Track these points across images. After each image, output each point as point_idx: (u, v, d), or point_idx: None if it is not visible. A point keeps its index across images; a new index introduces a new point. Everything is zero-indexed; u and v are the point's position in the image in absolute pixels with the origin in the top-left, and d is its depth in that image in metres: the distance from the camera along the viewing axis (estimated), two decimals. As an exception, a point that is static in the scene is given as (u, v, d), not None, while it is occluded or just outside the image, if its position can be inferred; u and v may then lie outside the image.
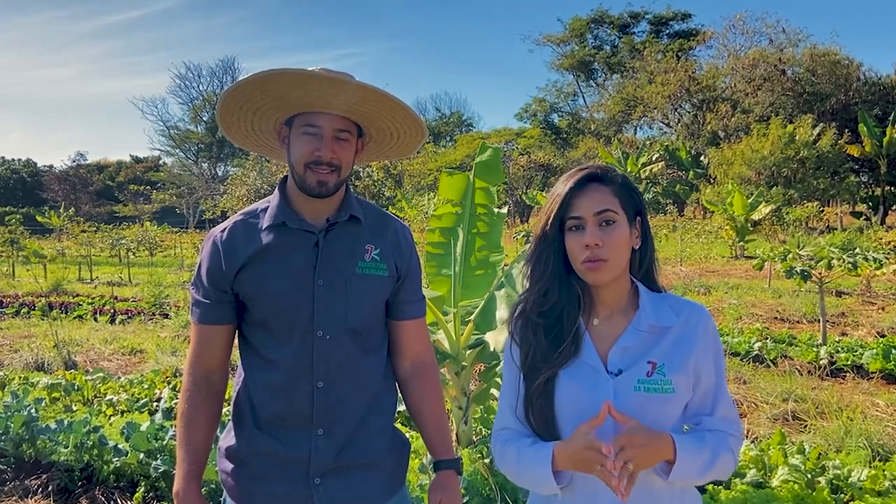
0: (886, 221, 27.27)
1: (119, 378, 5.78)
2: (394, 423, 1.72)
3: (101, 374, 5.67)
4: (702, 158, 33.46)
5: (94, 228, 26.99)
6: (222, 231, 1.61)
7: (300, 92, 1.49)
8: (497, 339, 3.54)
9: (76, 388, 5.31)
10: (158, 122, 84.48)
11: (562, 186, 1.36)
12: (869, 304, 9.76)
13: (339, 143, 1.55)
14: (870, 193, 29.83)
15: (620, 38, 52.87)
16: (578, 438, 1.24)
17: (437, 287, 3.78)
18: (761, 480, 3.21)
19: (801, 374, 5.69)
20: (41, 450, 3.82)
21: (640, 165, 33.25)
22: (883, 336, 7.16)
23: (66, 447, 3.76)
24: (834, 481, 3.17)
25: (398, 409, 3.38)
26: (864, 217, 27.44)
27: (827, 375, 5.83)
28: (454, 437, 3.71)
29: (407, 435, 1.90)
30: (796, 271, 6.66)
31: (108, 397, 5.06)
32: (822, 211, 25.41)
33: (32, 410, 4.01)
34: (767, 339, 6.93)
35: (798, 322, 8.53)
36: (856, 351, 6.24)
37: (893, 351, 5.87)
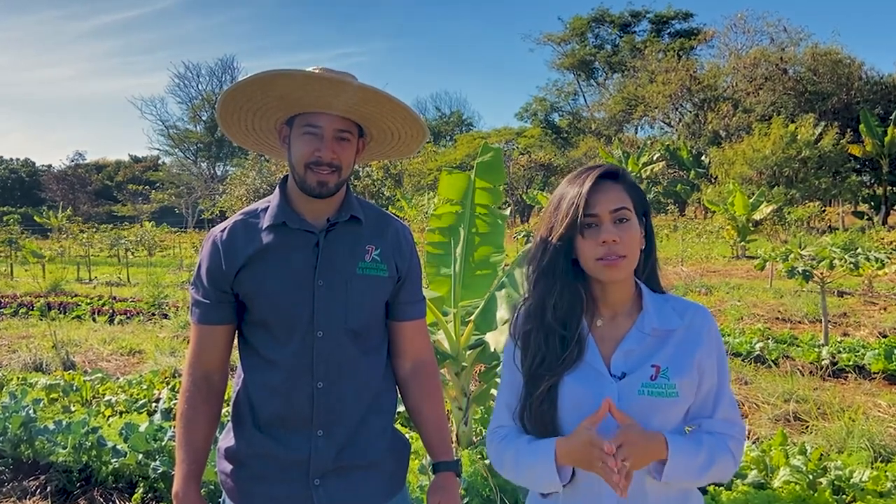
0: (888, 221, 27.23)
1: (118, 378, 5.77)
2: (394, 423, 1.71)
3: (99, 375, 5.65)
4: (703, 158, 33.45)
5: (94, 229, 26.99)
6: (222, 231, 1.60)
7: (301, 92, 1.48)
8: (497, 339, 3.52)
9: (74, 388, 5.29)
10: (157, 122, 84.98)
11: (576, 187, 1.32)
12: (871, 304, 9.74)
13: (340, 144, 1.54)
14: (872, 193, 29.79)
15: (621, 38, 52.84)
16: (581, 435, 1.24)
17: (437, 287, 3.76)
18: (763, 481, 3.20)
19: (803, 375, 5.67)
20: (39, 451, 3.81)
21: (640, 165, 33.20)
22: (885, 336, 7.12)
23: (64, 448, 3.75)
24: (836, 482, 3.16)
25: (398, 409, 3.36)
26: (865, 217, 27.39)
27: (829, 376, 5.82)
28: (454, 438, 3.70)
29: (407, 435, 1.89)
30: (798, 271, 6.65)
31: (106, 398, 5.04)
32: (824, 211, 25.43)
33: (31, 411, 3.99)
34: (769, 339, 6.90)
35: (800, 322, 8.51)
36: (858, 351, 6.21)
37: (895, 351, 5.86)
